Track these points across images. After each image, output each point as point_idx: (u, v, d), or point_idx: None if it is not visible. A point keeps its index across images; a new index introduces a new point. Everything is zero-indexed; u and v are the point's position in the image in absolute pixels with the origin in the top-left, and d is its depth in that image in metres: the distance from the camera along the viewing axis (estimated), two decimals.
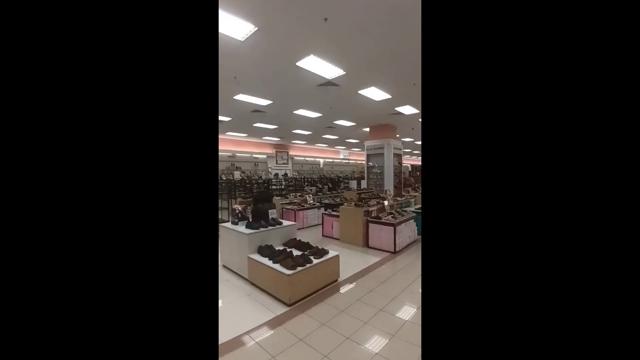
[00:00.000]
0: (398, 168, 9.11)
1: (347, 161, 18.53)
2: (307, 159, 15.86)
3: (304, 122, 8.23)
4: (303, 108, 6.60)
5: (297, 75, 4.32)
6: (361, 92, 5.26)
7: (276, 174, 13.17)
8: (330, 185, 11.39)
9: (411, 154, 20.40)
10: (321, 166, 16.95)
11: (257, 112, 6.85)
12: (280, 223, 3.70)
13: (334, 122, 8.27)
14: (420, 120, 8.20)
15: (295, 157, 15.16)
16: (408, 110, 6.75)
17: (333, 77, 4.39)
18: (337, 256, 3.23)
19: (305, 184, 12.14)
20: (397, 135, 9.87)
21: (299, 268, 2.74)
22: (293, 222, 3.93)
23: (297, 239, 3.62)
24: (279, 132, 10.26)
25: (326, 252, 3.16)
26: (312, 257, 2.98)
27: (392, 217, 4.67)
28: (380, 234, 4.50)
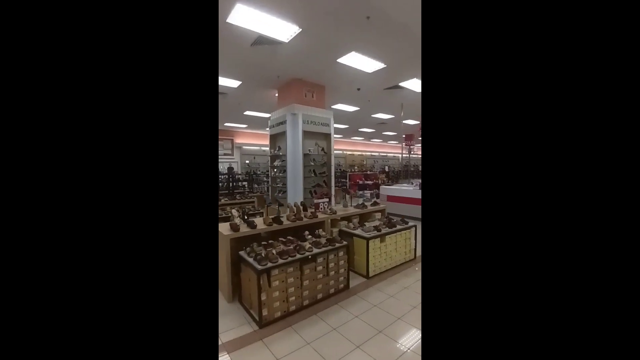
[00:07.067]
0: (322, 159, 5.11)
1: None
2: (263, 148, 12.18)
3: None
4: None
5: None
6: None
7: None
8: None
9: (361, 136, 15.84)
10: None
11: None
12: None
13: None
14: (364, 69, 4.15)
15: (244, 147, 11.57)
16: (282, 26, 2.81)
17: None
18: None
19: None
20: (333, 106, 5.84)
21: None
22: None
23: None
24: None
25: None
26: None
27: None
28: None
